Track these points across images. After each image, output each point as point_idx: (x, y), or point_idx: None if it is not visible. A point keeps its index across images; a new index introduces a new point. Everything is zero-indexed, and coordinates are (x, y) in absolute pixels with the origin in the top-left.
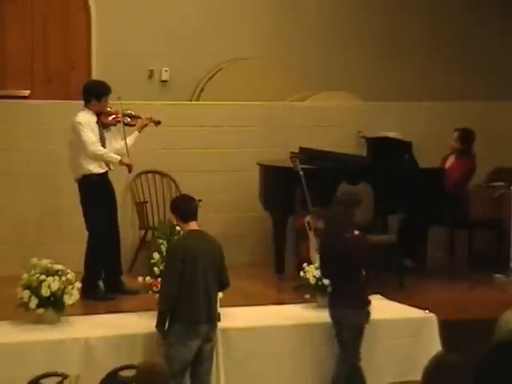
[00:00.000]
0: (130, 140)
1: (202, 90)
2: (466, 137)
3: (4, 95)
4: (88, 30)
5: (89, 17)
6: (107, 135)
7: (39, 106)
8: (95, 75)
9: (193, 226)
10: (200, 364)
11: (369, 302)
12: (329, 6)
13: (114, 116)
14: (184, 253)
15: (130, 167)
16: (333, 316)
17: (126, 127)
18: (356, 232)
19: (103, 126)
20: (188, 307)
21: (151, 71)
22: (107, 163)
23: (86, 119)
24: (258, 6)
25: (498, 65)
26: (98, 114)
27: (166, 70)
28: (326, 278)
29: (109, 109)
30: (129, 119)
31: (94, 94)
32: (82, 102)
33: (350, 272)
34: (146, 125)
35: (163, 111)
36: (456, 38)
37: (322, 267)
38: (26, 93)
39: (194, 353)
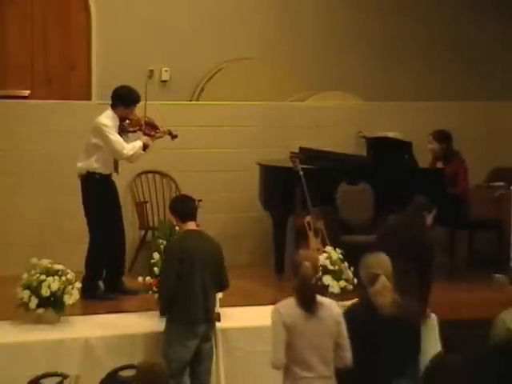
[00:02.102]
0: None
1: (202, 90)
2: (442, 137)
3: (4, 95)
4: (88, 30)
5: (89, 17)
6: (124, 139)
7: (39, 105)
8: (95, 75)
9: (191, 226)
10: (199, 364)
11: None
12: (328, 7)
13: (135, 123)
14: (181, 252)
15: (145, 146)
16: None
17: (145, 136)
18: (426, 234)
19: (123, 130)
20: (185, 307)
21: (151, 71)
22: (116, 167)
23: (112, 122)
24: (258, 6)
25: (497, 65)
26: (121, 119)
27: (166, 70)
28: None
29: (132, 116)
30: (148, 129)
31: (125, 101)
32: (82, 102)
33: (415, 272)
34: (161, 137)
35: (163, 111)
36: (455, 37)
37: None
38: (26, 93)
39: (192, 352)
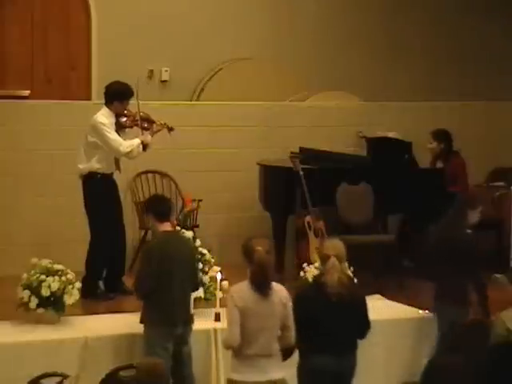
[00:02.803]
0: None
1: (202, 90)
2: (442, 136)
3: (4, 95)
4: (88, 30)
5: (89, 17)
6: (122, 136)
7: (39, 105)
8: (95, 75)
9: (167, 226)
10: (182, 368)
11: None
12: (328, 7)
13: (131, 119)
14: (162, 255)
15: (146, 145)
16: (435, 311)
17: (142, 131)
18: (468, 231)
19: (120, 127)
20: (166, 309)
21: (151, 71)
22: (118, 165)
23: (109, 120)
24: (258, 6)
25: (497, 65)
26: (117, 116)
27: (166, 70)
28: (429, 277)
29: (126, 111)
30: (145, 123)
31: (118, 95)
32: (82, 102)
33: (459, 271)
34: (159, 130)
35: (163, 111)
36: (456, 37)
37: (428, 266)
38: (26, 93)
39: (171, 355)
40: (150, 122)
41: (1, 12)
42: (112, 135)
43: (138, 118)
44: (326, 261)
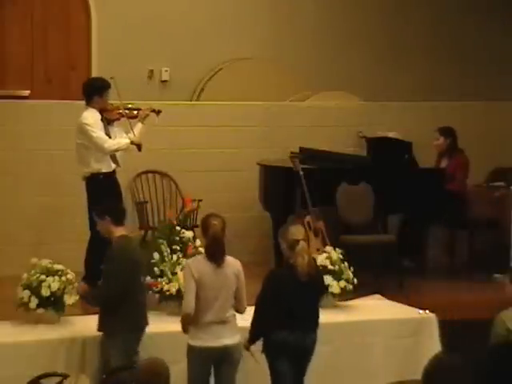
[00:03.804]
0: (136, 129)
1: (202, 90)
2: (448, 132)
3: (4, 95)
4: (88, 30)
5: (89, 17)
6: (111, 130)
7: (39, 105)
8: (95, 75)
9: (123, 230)
10: None
11: None
12: (328, 7)
13: (116, 111)
14: (129, 260)
15: (139, 146)
16: None
17: (130, 120)
18: None
19: (107, 122)
20: (134, 314)
21: (151, 71)
22: (115, 160)
23: (93, 119)
24: (258, 6)
25: (497, 65)
26: (101, 111)
27: (166, 70)
28: None
29: (110, 105)
30: (131, 112)
31: (96, 90)
32: (82, 102)
33: None
34: (147, 115)
35: (163, 111)
36: (456, 37)
37: None
38: (26, 93)
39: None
40: (136, 109)
41: (1, 12)
42: (96, 133)
43: (121, 108)
44: (295, 245)
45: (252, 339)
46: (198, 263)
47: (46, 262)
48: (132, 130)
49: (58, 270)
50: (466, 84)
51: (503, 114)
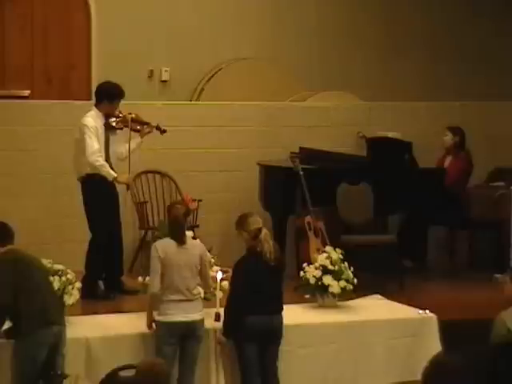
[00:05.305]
0: (132, 144)
1: (202, 89)
2: (457, 130)
3: (4, 95)
4: (88, 30)
5: (89, 17)
6: (112, 137)
7: (39, 105)
8: (95, 75)
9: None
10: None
11: None
12: (328, 6)
13: (122, 120)
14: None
15: (127, 186)
16: None
17: (132, 132)
18: None
19: (109, 128)
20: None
21: (151, 71)
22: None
23: (95, 123)
24: (258, 6)
25: (497, 65)
26: (107, 116)
27: (165, 70)
28: None
29: (117, 112)
30: (136, 125)
31: (108, 95)
32: (82, 102)
33: None
34: (150, 132)
35: (163, 111)
36: (455, 38)
37: None
38: (26, 93)
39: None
40: (142, 123)
41: (1, 12)
42: (90, 140)
43: (129, 119)
44: (259, 233)
45: (227, 331)
46: (164, 243)
47: (45, 262)
48: (129, 143)
49: (58, 270)
50: (466, 84)
51: (503, 114)
